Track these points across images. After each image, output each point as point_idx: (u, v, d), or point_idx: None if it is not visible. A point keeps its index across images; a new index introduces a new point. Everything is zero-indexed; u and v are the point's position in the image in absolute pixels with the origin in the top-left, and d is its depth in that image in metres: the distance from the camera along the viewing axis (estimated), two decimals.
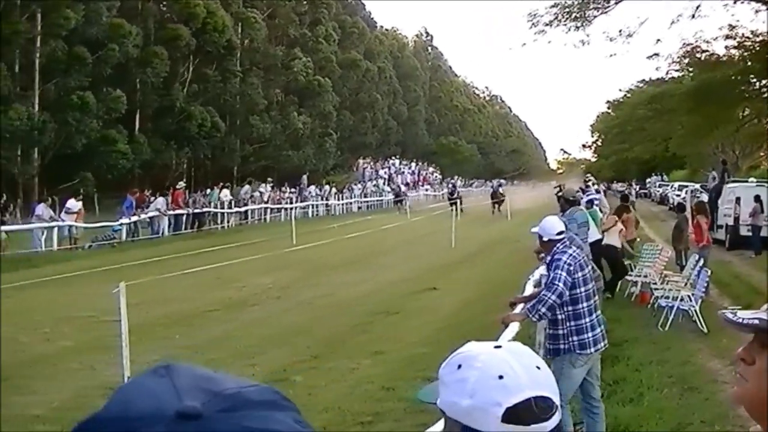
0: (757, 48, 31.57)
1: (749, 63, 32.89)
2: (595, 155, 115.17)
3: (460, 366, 1.56)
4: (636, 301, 15.98)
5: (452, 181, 71.59)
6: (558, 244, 7.40)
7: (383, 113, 74.79)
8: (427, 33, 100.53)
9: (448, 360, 1.61)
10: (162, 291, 16.28)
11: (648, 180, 75.96)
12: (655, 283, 15.90)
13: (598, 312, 7.51)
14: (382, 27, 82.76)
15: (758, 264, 21.97)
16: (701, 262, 15.80)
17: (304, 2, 62.20)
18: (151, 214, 32.00)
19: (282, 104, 57.56)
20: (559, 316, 7.22)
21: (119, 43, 39.56)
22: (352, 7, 72.64)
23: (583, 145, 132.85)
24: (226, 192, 39.92)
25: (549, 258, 7.46)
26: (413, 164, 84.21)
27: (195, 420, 0.84)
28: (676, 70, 38.95)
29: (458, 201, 48.25)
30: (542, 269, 9.35)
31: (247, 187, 46.04)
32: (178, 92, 46.65)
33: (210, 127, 47.21)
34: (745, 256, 24.37)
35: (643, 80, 56.97)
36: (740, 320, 1.57)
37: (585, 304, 7.24)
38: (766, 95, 34.63)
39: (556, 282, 7.12)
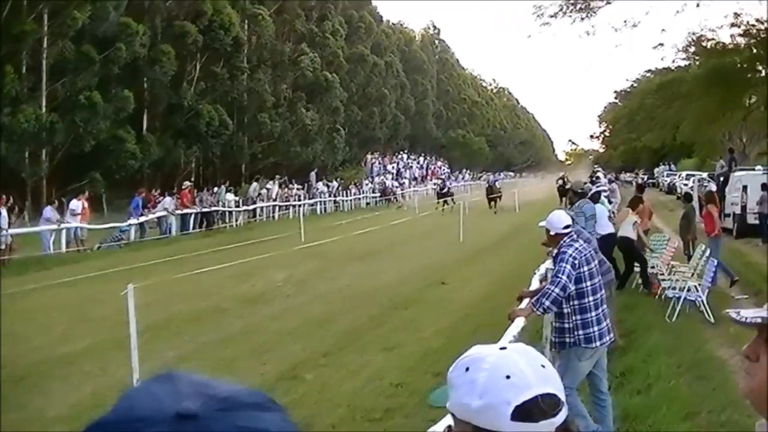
0: (763, 35, 31.49)
1: (755, 50, 32.80)
2: (603, 145, 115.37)
3: (468, 369, 1.62)
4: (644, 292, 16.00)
5: (442, 175, 70.45)
6: (565, 238, 7.46)
7: (391, 108, 74.59)
8: (434, 26, 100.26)
9: (456, 363, 1.67)
10: (172, 290, 16.36)
11: (656, 169, 75.79)
12: (663, 274, 15.93)
13: (604, 306, 7.56)
14: (389, 21, 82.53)
15: (767, 252, 21.96)
16: (708, 252, 15.78)
17: None
18: (159, 214, 32.08)
19: (290, 101, 57.45)
20: (565, 310, 7.27)
21: (127, 42, 39.53)
22: (358, 2, 72.41)
23: (591, 136, 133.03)
24: (230, 196, 39.86)
25: (556, 251, 7.53)
26: (422, 158, 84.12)
27: (193, 420, 0.93)
28: (683, 59, 38.91)
29: (449, 197, 48.39)
30: (548, 263, 9.40)
31: (255, 184, 46.09)
32: (186, 90, 46.57)
33: (218, 125, 47.14)
34: (752, 244, 24.36)
35: (650, 70, 57.03)
36: (744, 319, 1.63)
37: (591, 298, 7.28)
38: None
39: (560, 275, 7.18)
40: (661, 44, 35.21)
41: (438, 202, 47.81)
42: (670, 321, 12.97)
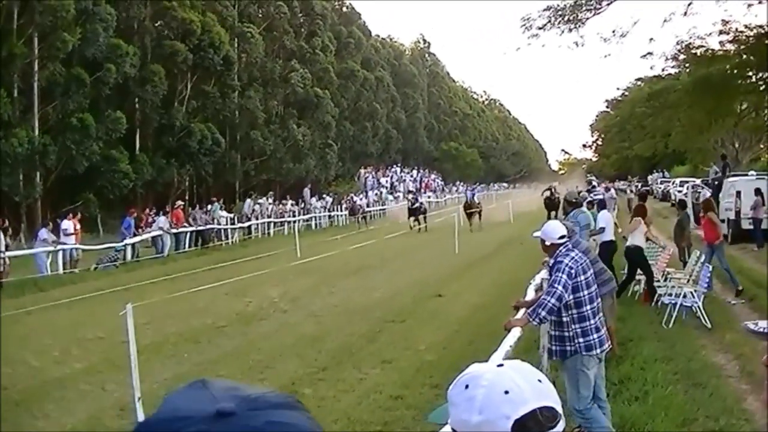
0: (752, 41, 31.59)
1: (745, 56, 32.91)
2: (596, 154, 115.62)
3: (467, 386, 1.66)
4: (640, 299, 16.02)
5: (411, 189, 61.38)
6: (560, 248, 7.49)
7: (383, 122, 74.74)
8: (424, 40, 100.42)
9: (455, 382, 1.71)
10: (169, 309, 16.36)
11: (650, 177, 75.93)
12: (658, 281, 15.96)
13: (601, 314, 7.58)
14: (378, 36, 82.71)
15: (761, 257, 22.02)
16: (703, 258, 15.79)
17: (300, 15, 62.21)
18: (154, 233, 32.05)
19: (282, 117, 57.54)
20: (565, 319, 7.30)
21: (117, 63, 39.61)
22: (347, 17, 72.56)
23: (584, 145, 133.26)
24: (224, 213, 39.83)
25: (552, 261, 7.56)
26: (415, 171, 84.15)
27: (231, 417, 1.02)
28: (672, 67, 39.03)
29: (422, 215, 42.79)
30: (544, 273, 9.42)
31: (248, 201, 46.10)
32: (177, 110, 46.61)
33: (211, 143, 47.20)
34: (747, 250, 24.42)
35: (640, 78, 57.14)
36: (762, 330, 1.65)
37: (589, 307, 7.31)
38: (763, 87, 34.67)
39: (556, 285, 7.20)
40: (650, 53, 35.23)
41: (409, 220, 42.74)
42: (666, 327, 13.00)
